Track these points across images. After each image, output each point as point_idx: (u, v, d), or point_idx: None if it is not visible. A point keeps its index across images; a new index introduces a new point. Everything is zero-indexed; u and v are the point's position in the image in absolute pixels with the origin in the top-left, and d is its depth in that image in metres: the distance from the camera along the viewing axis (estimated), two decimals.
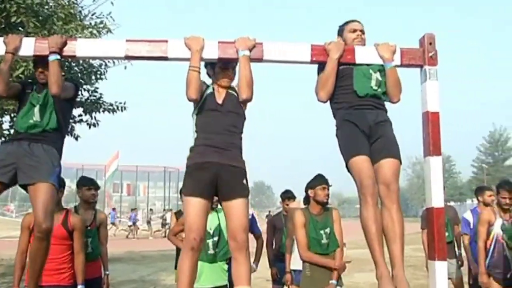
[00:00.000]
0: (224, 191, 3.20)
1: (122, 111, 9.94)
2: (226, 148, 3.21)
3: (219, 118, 3.26)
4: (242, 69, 3.26)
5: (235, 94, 3.37)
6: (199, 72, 3.22)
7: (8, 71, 3.29)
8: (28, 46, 3.31)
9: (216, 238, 4.56)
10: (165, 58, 3.34)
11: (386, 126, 3.38)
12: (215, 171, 3.17)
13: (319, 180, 4.83)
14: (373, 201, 3.12)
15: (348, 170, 3.28)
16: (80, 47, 3.34)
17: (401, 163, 3.32)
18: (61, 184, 3.76)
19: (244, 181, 3.24)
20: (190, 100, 3.23)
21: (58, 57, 3.28)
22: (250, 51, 3.31)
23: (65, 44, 3.31)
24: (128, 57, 3.38)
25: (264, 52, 3.35)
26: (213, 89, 3.38)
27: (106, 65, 9.51)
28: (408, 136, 8.23)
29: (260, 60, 3.36)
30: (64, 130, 3.60)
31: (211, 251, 4.55)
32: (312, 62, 3.43)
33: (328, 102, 3.51)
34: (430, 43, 3.40)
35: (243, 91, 3.28)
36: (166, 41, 3.33)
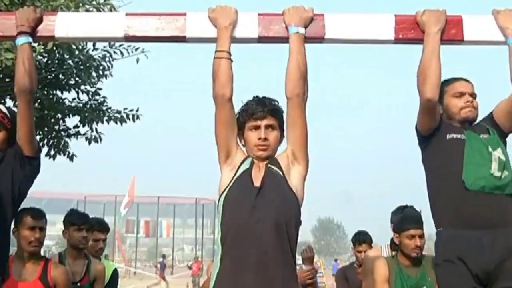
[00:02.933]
0: None
1: (134, 120, 9.93)
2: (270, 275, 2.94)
3: (257, 226, 2.98)
4: (295, 53, 3.18)
5: (280, 171, 3.13)
6: (230, 59, 3.16)
7: None
8: None
9: None
10: (182, 39, 3.36)
11: None
12: None
13: (408, 222, 4.56)
14: None
15: None
16: (61, 24, 3.34)
17: None
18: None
19: None
20: (217, 97, 3.12)
21: (30, 39, 3.27)
22: (306, 27, 3.27)
23: (40, 20, 3.30)
24: (129, 38, 3.40)
25: (327, 28, 3.33)
26: (252, 162, 3.17)
27: (111, 56, 9.53)
28: None
29: (320, 39, 3.35)
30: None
31: None
32: (397, 40, 3.38)
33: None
34: None
35: (292, 84, 3.13)
36: (184, 15, 3.35)
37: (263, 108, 3.13)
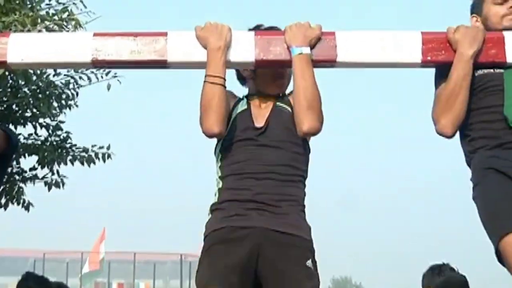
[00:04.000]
0: (271, 281, 3.17)
1: (105, 160, 9.92)
2: (274, 204, 3.21)
3: (261, 152, 3.28)
4: (299, 80, 3.23)
5: (289, 109, 3.35)
6: (224, 85, 3.22)
7: None
8: None
9: None
10: (162, 64, 3.38)
11: None
12: (255, 244, 3.16)
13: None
14: None
15: (498, 258, 3.25)
16: (15, 47, 3.37)
17: None
18: None
19: (309, 263, 3.20)
20: (209, 135, 3.27)
21: None
22: (313, 47, 3.31)
23: None
24: (98, 63, 3.42)
25: (339, 49, 3.36)
26: (248, 104, 3.40)
27: (76, 82, 9.55)
28: None
29: (331, 63, 3.38)
30: None
31: None
32: (424, 63, 3.41)
33: (459, 138, 3.47)
34: None
35: (304, 118, 3.22)
36: (165, 35, 3.38)
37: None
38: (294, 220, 3.25)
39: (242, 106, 3.41)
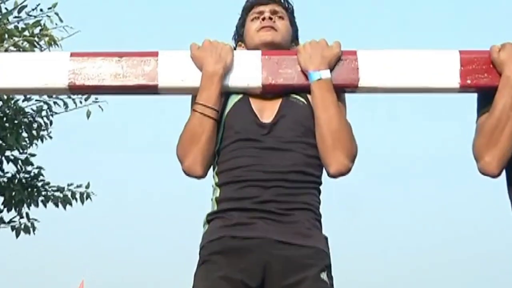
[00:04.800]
0: None
1: (83, 201, 9.89)
2: (283, 213, 3.21)
3: (268, 156, 3.26)
4: (320, 111, 3.23)
5: (303, 101, 3.35)
6: (215, 119, 3.23)
7: None
8: None
9: None
10: (153, 90, 3.37)
11: None
12: (260, 257, 3.16)
13: None
14: None
15: None
16: None
17: None
18: None
19: (324, 276, 3.19)
20: (189, 175, 3.30)
21: None
22: (332, 69, 3.29)
23: None
24: (76, 89, 3.40)
25: (361, 72, 3.35)
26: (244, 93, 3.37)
27: (50, 109, 9.54)
28: None
29: (353, 87, 3.37)
30: None
31: None
32: (463, 88, 3.39)
33: (506, 183, 3.43)
34: None
35: (331, 158, 3.22)
36: (155, 55, 3.37)
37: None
38: (306, 229, 3.24)
39: (236, 93, 3.40)
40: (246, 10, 3.58)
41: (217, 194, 3.30)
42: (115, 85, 3.33)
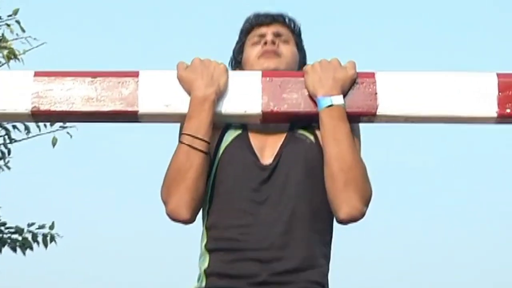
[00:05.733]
0: None
1: (47, 244, 9.68)
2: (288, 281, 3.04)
3: (268, 212, 3.06)
4: (330, 144, 3.05)
5: (311, 138, 3.18)
6: (205, 153, 3.04)
7: None
8: None
9: None
10: (131, 116, 3.21)
11: None
12: None
13: None
14: None
15: None
16: None
17: None
18: None
19: None
20: (173, 219, 3.08)
21: None
22: (345, 94, 3.14)
23: None
24: (40, 115, 3.24)
25: (380, 98, 3.19)
26: (243, 125, 3.24)
27: (9, 136, 9.43)
28: None
29: (369, 116, 3.20)
30: None
31: None
32: (501, 118, 3.23)
33: None
34: None
35: (342, 200, 3.01)
36: (136, 75, 3.21)
37: (268, 15, 3.39)
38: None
39: (234, 127, 3.25)
40: (245, 33, 3.44)
41: (206, 265, 3.11)
42: (87, 111, 3.16)
